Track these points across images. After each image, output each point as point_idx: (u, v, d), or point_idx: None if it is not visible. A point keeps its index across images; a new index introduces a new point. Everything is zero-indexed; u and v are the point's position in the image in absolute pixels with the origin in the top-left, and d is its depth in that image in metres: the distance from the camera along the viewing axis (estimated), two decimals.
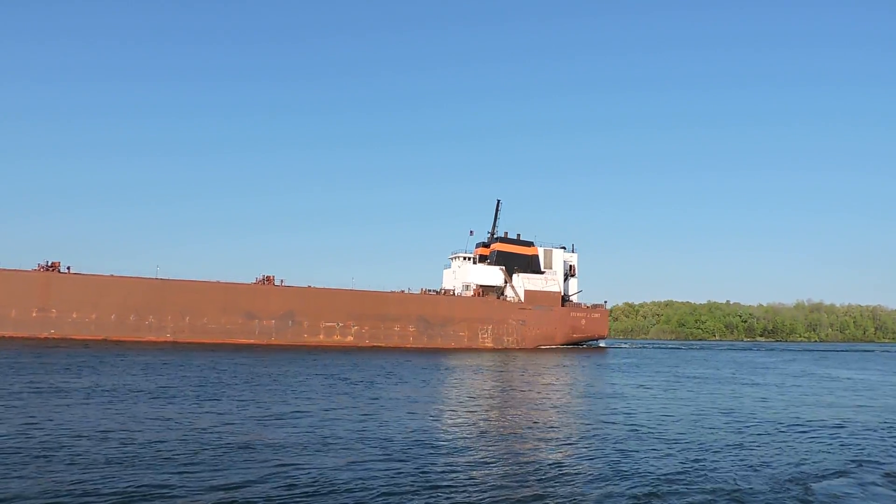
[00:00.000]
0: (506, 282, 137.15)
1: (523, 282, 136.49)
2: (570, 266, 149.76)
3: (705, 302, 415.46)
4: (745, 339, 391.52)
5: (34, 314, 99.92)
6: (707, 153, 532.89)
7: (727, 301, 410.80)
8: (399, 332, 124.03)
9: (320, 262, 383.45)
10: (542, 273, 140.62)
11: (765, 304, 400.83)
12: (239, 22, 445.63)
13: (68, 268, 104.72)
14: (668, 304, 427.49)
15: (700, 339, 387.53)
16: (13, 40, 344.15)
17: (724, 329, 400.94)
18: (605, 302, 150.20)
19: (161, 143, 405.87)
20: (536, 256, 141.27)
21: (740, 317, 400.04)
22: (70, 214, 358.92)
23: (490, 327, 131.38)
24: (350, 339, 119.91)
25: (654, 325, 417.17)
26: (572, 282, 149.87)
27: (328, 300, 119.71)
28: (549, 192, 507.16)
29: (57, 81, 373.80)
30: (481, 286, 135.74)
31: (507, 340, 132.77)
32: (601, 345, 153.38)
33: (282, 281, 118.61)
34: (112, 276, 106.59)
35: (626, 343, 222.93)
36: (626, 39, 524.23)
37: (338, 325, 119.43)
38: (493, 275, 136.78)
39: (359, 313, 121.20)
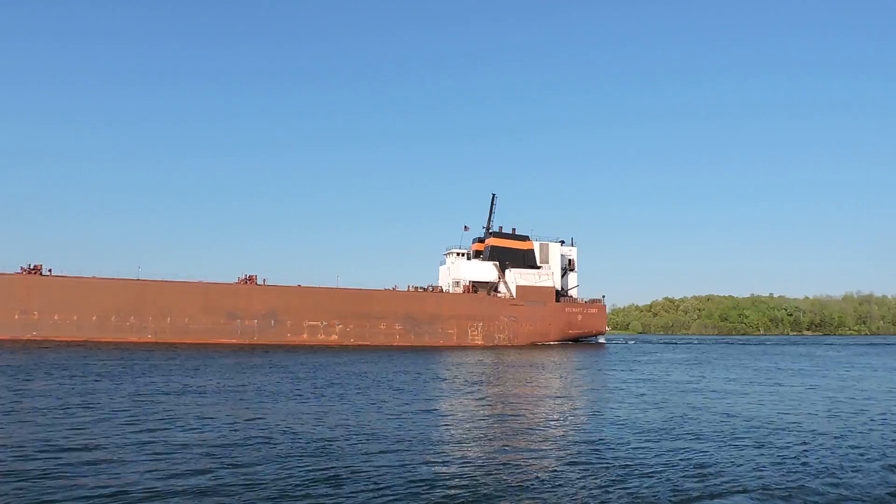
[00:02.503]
0: (499, 278, 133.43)
1: (515, 277, 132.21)
2: (569, 260, 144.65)
3: (748, 295, 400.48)
4: (791, 333, 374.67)
5: (17, 317, 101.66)
6: (748, 144, 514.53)
7: (771, 294, 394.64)
8: (385, 331, 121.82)
9: (314, 263, 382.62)
10: (539, 268, 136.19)
11: (811, 297, 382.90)
12: (224, 24, 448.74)
13: (50, 270, 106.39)
14: (710, 298, 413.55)
15: (743, 334, 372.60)
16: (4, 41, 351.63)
17: (769, 323, 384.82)
18: (604, 297, 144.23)
19: (145, 146, 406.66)
20: (532, 251, 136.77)
21: (786, 310, 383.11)
22: (54, 217, 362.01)
23: (480, 324, 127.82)
24: (334, 337, 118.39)
25: (695, 319, 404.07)
26: (571, 276, 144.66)
27: (312, 299, 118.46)
28: (566, 189, 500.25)
29: (37, 84, 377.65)
30: (474, 282, 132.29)
31: (499, 337, 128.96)
32: (600, 341, 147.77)
33: (264, 280, 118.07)
34: (93, 277, 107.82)
35: (629, 339, 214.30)
36: (623, 34, 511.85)
37: (321, 323, 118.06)
38: (486, 270, 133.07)
39: (343, 312, 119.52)
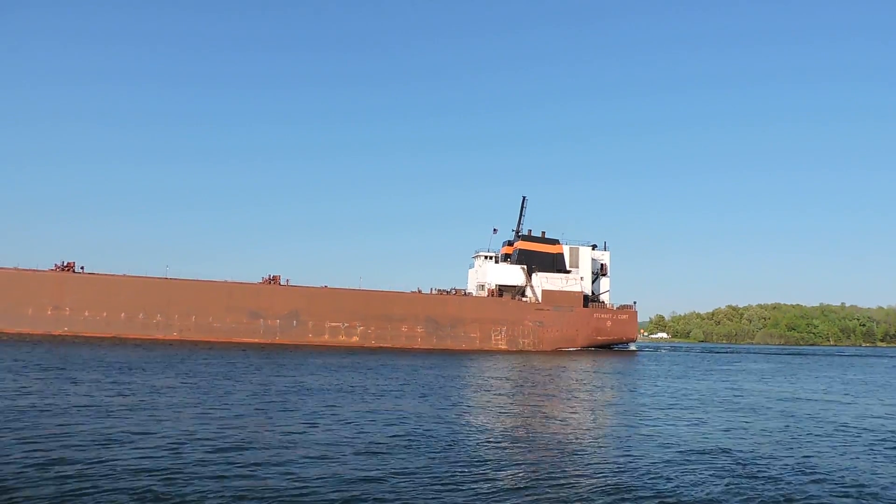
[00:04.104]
0: (526, 282, 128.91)
1: (541, 281, 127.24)
2: (602, 265, 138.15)
3: (817, 305, 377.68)
4: (864, 345, 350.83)
5: (49, 312, 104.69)
6: (818, 150, 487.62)
7: (842, 304, 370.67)
8: (406, 333, 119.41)
9: (348, 267, 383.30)
10: (568, 272, 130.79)
11: (885, 307, 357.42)
12: (258, 28, 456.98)
13: (82, 268, 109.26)
14: (776, 307, 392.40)
15: (812, 345, 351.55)
16: (29, 42, 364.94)
17: (840, 333, 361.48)
18: (635, 303, 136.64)
19: (182, 149, 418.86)
20: (561, 255, 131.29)
21: (858, 320, 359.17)
22: (88, 217, 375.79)
23: (504, 328, 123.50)
24: (355, 339, 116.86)
25: (760, 329, 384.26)
26: (603, 281, 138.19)
27: (333, 300, 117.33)
28: (612, 195, 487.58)
29: (76, 85, 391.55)
30: (501, 286, 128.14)
31: (523, 342, 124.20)
32: (631, 348, 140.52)
33: (287, 281, 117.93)
34: (123, 275, 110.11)
35: (664, 347, 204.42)
36: (658, 39, 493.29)
37: (343, 325, 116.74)
38: (513, 274, 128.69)
39: (365, 313, 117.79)
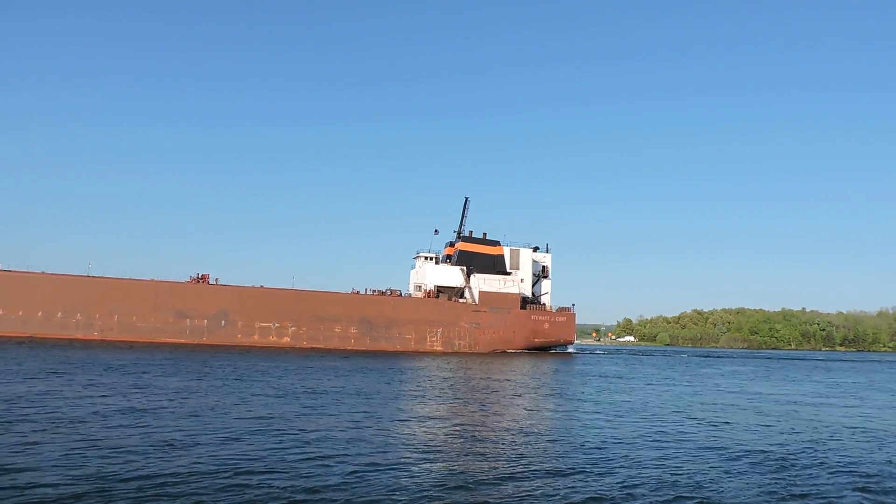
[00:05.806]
0: (465, 283, 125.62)
1: (479, 282, 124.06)
2: (543, 267, 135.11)
3: (779, 309, 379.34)
4: (823, 349, 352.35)
5: None
6: (782, 158, 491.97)
7: (803, 309, 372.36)
8: (340, 334, 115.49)
9: (294, 269, 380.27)
10: (508, 274, 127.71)
11: (844, 312, 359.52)
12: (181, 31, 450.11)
13: None
14: (740, 311, 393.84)
15: (774, 349, 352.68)
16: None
17: (801, 338, 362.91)
18: (573, 305, 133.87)
19: (113, 151, 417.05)
20: (501, 256, 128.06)
21: (818, 325, 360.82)
22: (10, 216, 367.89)
23: (440, 330, 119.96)
24: (286, 339, 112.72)
25: (724, 332, 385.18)
26: (545, 283, 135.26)
27: (264, 300, 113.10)
28: (567, 199, 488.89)
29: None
30: (440, 287, 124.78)
31: (459, 344, 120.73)
32: (569, 350, 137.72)
33: (217, 280, 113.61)
34: (41, 273, 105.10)
35: (599, 349, 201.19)
36: (617, 49, 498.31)
37: (273, 325, 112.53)
38: (452, 275, 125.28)
39: (297, 314, 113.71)
